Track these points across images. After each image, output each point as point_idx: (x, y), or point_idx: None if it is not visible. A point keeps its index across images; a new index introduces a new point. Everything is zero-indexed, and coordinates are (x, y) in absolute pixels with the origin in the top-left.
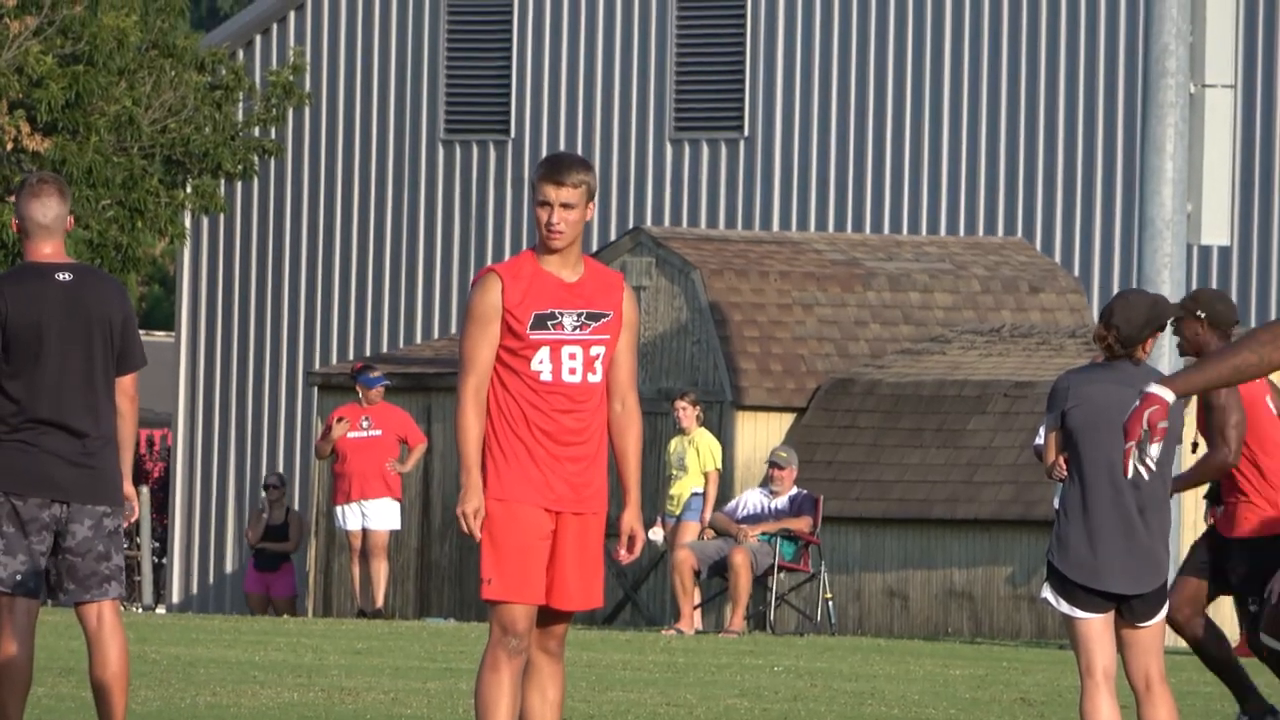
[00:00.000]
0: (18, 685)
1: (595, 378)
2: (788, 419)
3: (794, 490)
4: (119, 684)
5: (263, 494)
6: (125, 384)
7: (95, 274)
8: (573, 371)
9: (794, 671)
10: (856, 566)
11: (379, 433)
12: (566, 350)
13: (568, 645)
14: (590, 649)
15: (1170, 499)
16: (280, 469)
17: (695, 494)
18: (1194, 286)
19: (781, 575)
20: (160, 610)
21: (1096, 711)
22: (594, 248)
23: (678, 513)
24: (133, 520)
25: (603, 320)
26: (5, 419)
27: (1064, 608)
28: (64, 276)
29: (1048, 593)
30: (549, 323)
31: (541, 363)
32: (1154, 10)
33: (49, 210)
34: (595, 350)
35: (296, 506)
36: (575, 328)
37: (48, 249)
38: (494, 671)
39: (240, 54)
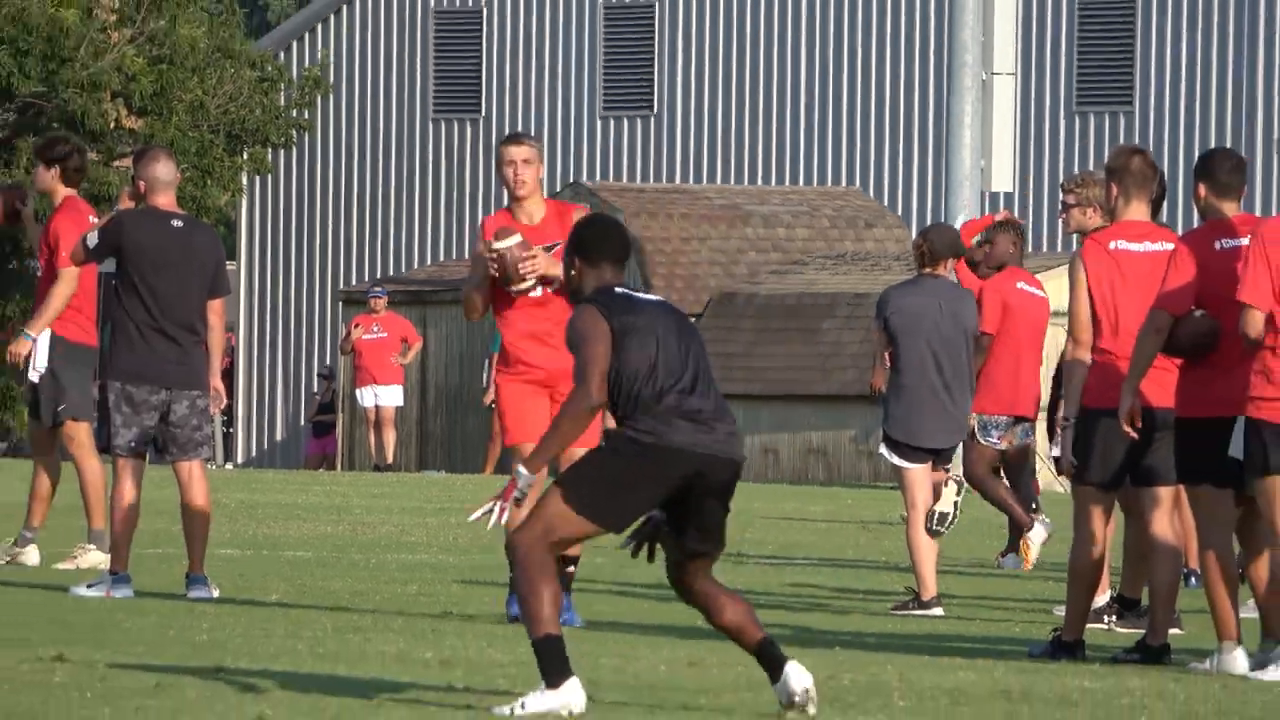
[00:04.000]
0: (130, 523)
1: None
2: None
3: None
4: (203, 520)
5: (318, 381)
6: (216, 305)
7: (199, 223)
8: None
9: None
10: (740, 431)
11: (386, 334)
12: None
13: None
14: None
15: (971, 380)
16: (315, 363)
17: None
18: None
19: None
20: (228, 466)
21: (917, 531)
22: (553, 190)
23: None
24: (222, 407)
25: (555, 247)
26: (134, 322)
27: (895, 460)
28: (177, 223)
29: (883, 449)
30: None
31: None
32: (956, 17)
33: (168, 170)
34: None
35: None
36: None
37: (163, 200)
38: None
39: (282, 55)
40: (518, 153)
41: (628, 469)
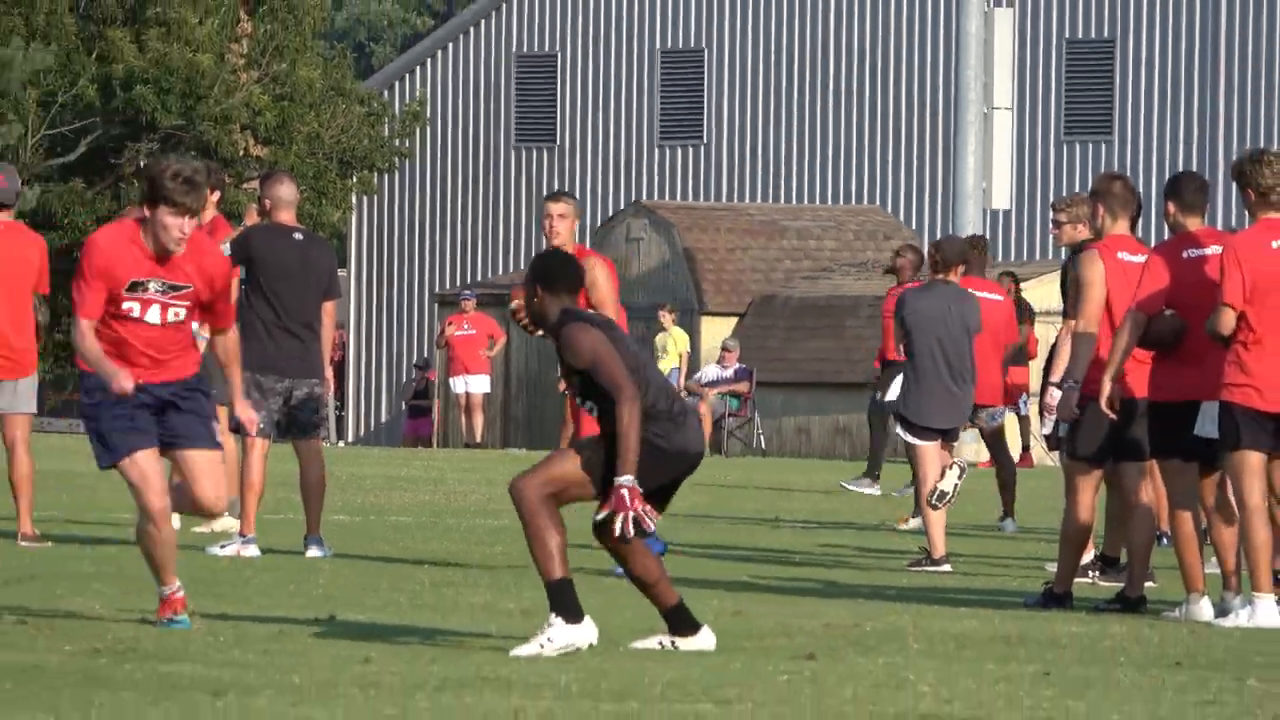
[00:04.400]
0: (257, 492)
1: None
2: (732, 321)
3: (737, 365)
4: (319, 489)
5: (413, 371)
6: (329, 307)
7: (315, 237)
8: None
9: (735, 477)
10: (777, 413)
11: (474, 331)
12: None
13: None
14: None
15: (973, 371)
16: (415, 356)
17: (673, 369)
18: (987, 235)
19: (730, 419)
20: (340, 444)
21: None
22: (610, 214)
23: None
24: (332, 392)
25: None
26: (261, 320)
27: (909, 438)
28: (297, 236)
29: (899, 430)
30: None
31: None
32: (961, 59)
33: (289, 191)
34: None
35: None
36: None
37: (285, 217)
38: None
39: (385, 93)
40: (555, 208)
41: (641, 467)
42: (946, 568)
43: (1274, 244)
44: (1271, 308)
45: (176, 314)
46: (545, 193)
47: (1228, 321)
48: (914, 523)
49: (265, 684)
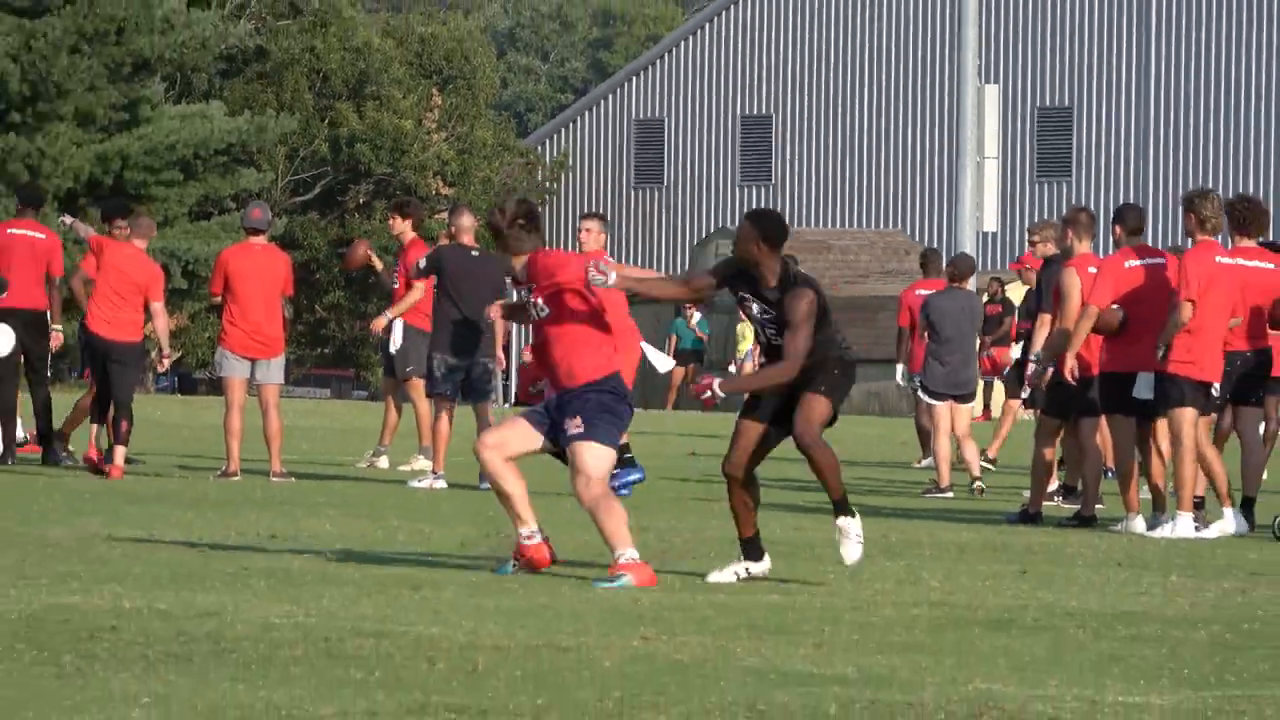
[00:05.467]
0: (444, 440)
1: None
2: None
3: None
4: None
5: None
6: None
7: (489, 254)
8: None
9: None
10: None
11: None
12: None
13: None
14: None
15: (975, 352)
16: None
17: (749, 349)
18: (978, 252)
19: None
20: (505, 406)
21: (941, 442)
22: (704, 236)
23: (742, 359)
24: (501, 368)
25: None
26: (448, 320)
27: (929, 400)
28: (475, 253)
29: (922, 394)
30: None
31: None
32: (962, 118)
33: (469, 220)
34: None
35: None
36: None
37: (466, 239)
38: None
39: (538, 148)
40: (590, 225)
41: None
42: (949, 494)
43: (1216, 259)
44: (1209, 305)
45: None
46: (656, 223)
47: (1188, 310)
48: (926, 462)
49: (450, 581)
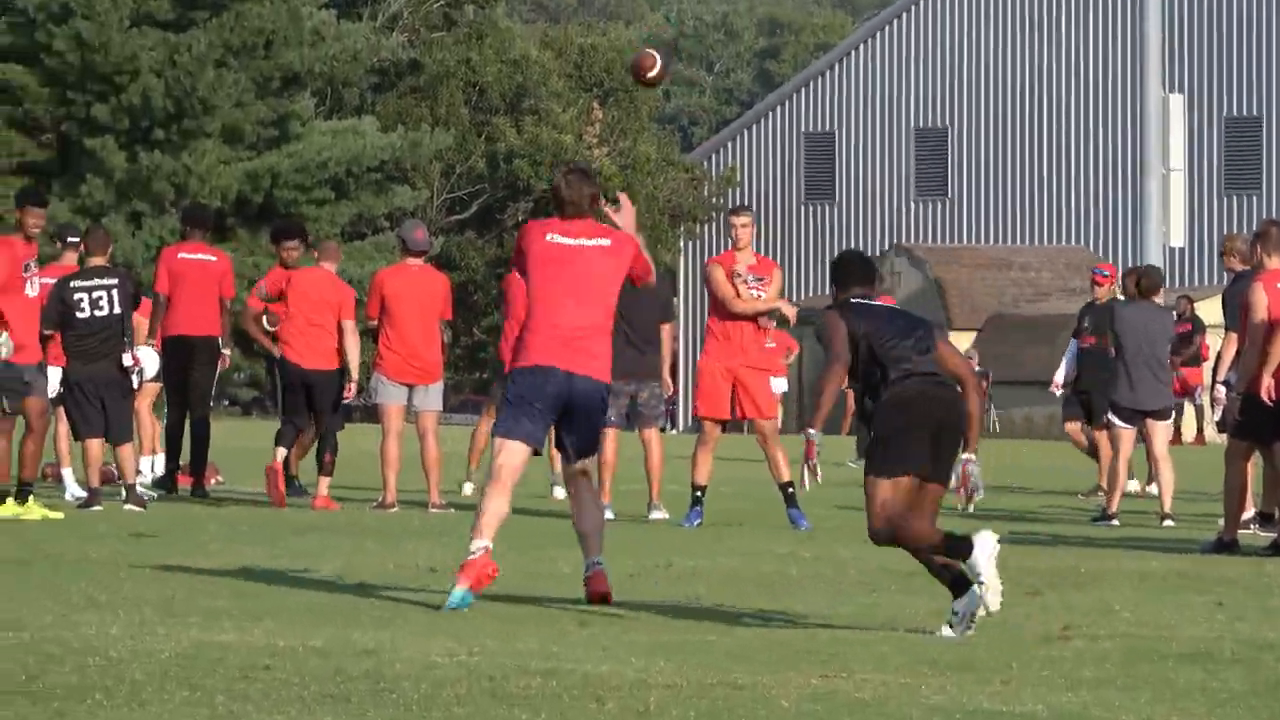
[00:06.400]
0: (610, 468)
1: None
2: (973, 334)
3: (978, 367)
4: (658, 465)
5: None
6: (666, 328)
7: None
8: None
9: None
10: (1008, 404)
11: (774, 344)
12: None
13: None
14: None
15: (1167, 366)
16: None
17: None
18: (1166, 267)
19: None
20: (673, 432)
21: (1122, 473)
22: (876, 253)
23: None
24: (671, 394)
25: (760, 281)
26: (618, 338)
27: (1117, 423)
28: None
29: (1111, 416)
30: (735, 280)
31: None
32: (1147, 129)
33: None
34: (757, 292)
35: None
36: (753, 284)
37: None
38: None
39: (704, 163)
40: (738, 220)
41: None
42: (1115, 523)
43: None
44: None
45: None
46: (826, 239)
47: None
48: (1133, 485)
49: (617, 615)
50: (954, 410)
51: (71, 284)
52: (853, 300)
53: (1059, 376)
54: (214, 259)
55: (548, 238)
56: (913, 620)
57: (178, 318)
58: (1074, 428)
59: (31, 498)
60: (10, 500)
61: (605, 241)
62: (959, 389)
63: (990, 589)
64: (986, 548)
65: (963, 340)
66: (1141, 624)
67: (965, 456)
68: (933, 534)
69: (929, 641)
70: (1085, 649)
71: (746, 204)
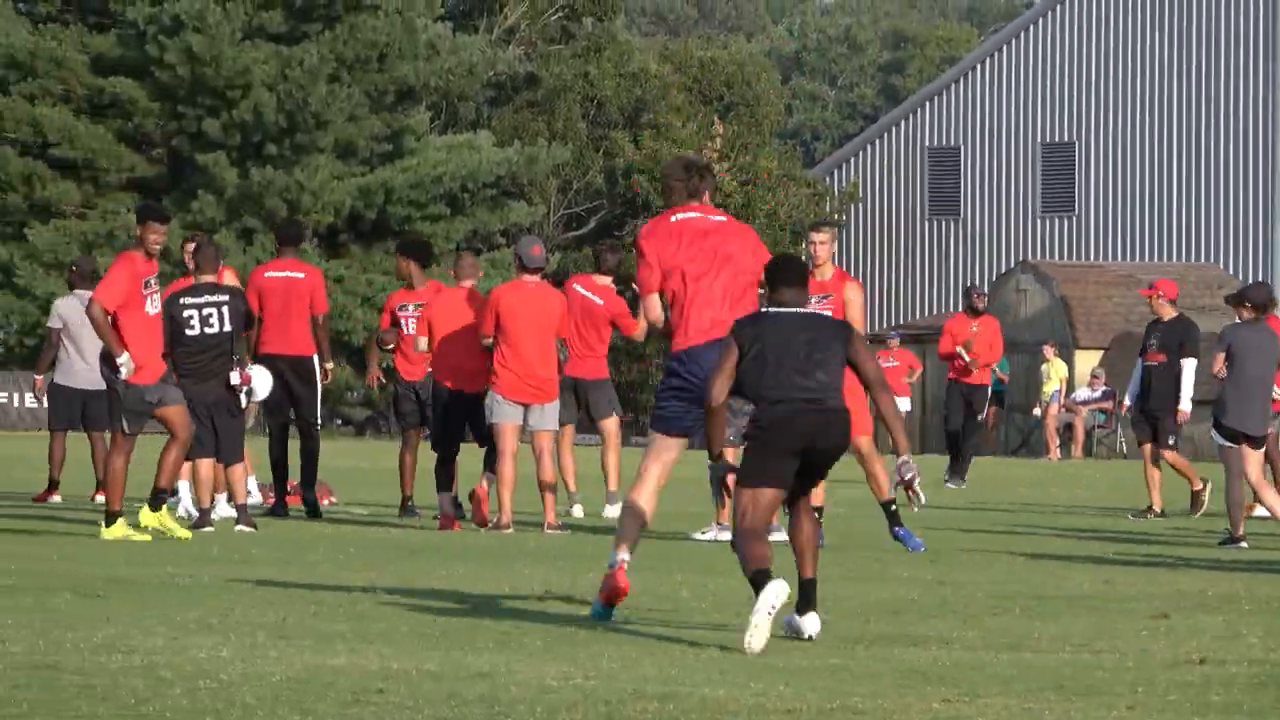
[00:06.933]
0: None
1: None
2: (1099, 353)
3: (1104, 388)
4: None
5: None
6: None
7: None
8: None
9: (1103, 476)
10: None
11: (898, 364)
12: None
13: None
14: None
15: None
16: None
17: (1054, 392)
18: None
19: (1099, 430)
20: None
21: (1237, 491)
22: (1002, 270)
23: (1048, 401)
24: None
25: (825, 299)
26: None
27: (1220, 440)
28: None
29: (1215, 435)
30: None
31: None
32: (1276, 149)
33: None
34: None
35: None
36: (817, 302)
37: None
38: None
39: (826, 178)
40: (817, 237)
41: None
42: (1244, 545)
43: None
44: None
45: None
46: (951, 256)
47: None
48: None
49: (735, 638)
50: (828, 433)
51: (181, 300)
52: (766, 310)
53: (1127, 398)
54: (302, 275)
55: None
56: (1038, 645)
57: (267, 336)
58: (1148, 450)
59: (165, 508)
60: (142, 510)
61: None
62: (844, 410)
63: (755, 627)
64: (769, 596)
65: (1090, 359)
66: (1271, 650)
67: (901, 460)
68: (765, 559)
69: (1055, 665)
70: (1213, 674)
71: (869, 220)
